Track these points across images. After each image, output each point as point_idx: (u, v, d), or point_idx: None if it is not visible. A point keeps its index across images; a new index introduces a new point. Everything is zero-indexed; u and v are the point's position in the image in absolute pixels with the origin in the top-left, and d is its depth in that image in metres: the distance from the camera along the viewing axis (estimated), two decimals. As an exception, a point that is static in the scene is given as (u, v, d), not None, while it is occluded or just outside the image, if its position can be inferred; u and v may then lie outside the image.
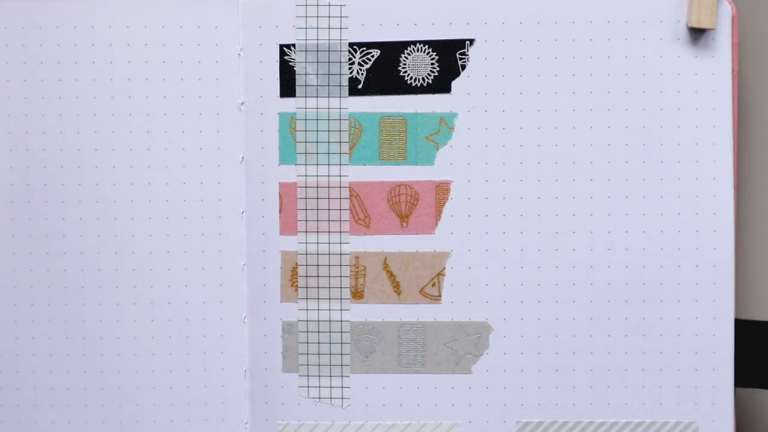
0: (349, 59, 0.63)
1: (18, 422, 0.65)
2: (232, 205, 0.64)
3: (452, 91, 0.63)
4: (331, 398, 0.64)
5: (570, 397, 0.64)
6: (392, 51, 0.63)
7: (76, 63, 0.63)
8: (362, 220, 0.64)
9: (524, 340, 0.64)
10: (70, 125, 0.63)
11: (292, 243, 0.64)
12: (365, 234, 0.64)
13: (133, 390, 0.65)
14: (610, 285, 0.63)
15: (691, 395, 0.63)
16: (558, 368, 0.64)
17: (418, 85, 0.63)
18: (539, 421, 0.64)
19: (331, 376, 0.64)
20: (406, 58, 0.63)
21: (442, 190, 0.63)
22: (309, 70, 0.63)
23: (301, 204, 0.64)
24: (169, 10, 0.63)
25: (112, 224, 0.64)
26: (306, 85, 0.63)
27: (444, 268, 0.64)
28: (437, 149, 0.63)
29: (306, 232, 0.64)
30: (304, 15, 0.63)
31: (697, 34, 0.62)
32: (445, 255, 0.64)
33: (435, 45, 0.63)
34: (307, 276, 0.64)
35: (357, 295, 0.64)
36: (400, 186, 0.64)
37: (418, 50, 0.63)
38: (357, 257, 0.64)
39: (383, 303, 0.64)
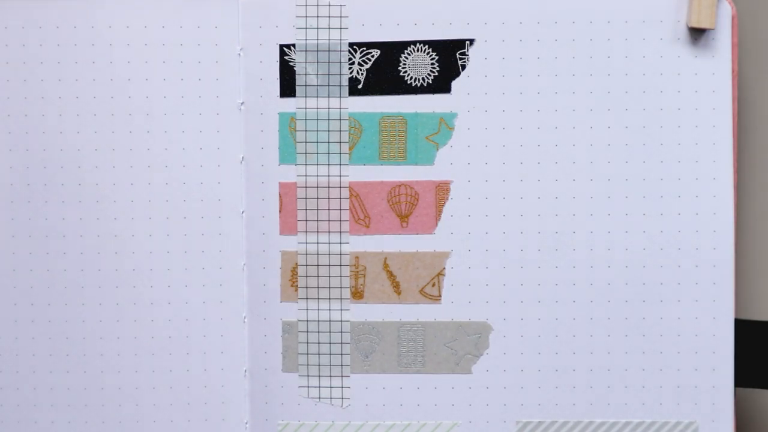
0: (349, 59, 0.63)
1: (18, 422, 0.65)
2: (232, 205, 0.64)
3: (452, 91, 0.63)
4: (331, 398, 0.64)
5: (570, 397, 0.64)
6: (392, 51, 0.63)
7: (76, 63, 0.63)
8: (362, 220, 0.64)
9: (524, 340, 0.64)
10: (70, 125, 0.63)
11: (292, 243, 0.64)
12: (365, 234, 0.64)
13: (133, 390, 0.65)
14: (610, 285, 0.63)
15: (691, 395, 0.63)
16: (558, 368, 0.64)
17: (418, 85, 0.63)
18: (539, 421, 0.64)
19: (331, 376, 0.64)
20: (406, 58, 0.63)
21: (442, 190, 0.63)
22: (309, 70, 0.63)
23: (301, 204, 0.64)
24: (169, 10, 0.63)
25: (112, 224, 0.64)
26: (306, 85, 0.63)
27: (444, 268, 0.64)
28: (437, 149, 0.63)
29: (306, 232, 0.64)
30: (304, 15, 0.63)
31: (697, 34, 0.62)
32: (445, 255, 0.64)
33: (435, 45, 0.63)
34: (307, 276, 0.64)
35: (357, 295, 0.64)
36: (400, 186, 0.64)
37: (418, 50, 0.63)
38: (357, 257, 0.64)
39: (383, 303, 0.64)
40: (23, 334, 0.64)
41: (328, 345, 0.64)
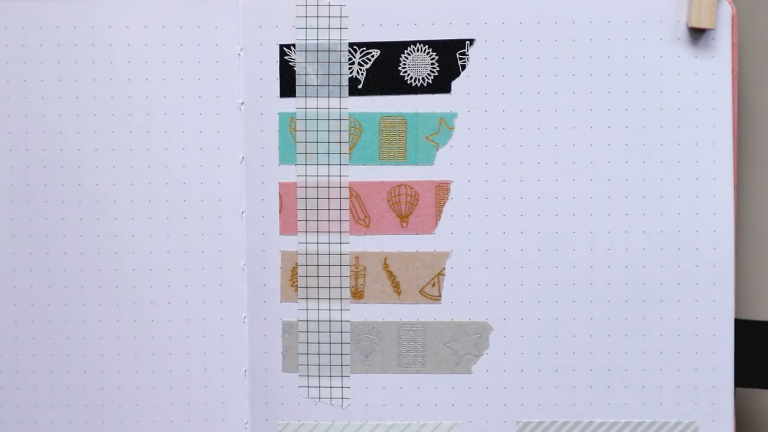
0: (349, 59, 0.63)
1: (18, 422, 0.65)
2: (232, 205, 0.64)
3: (452, 91, 0.63)
4: (331, 398, 0.64)
5: (570, 397, 0.64)
6: (392, 51, 0.63)
7: (76, 63, 0.63)
8: (362, 220, 0.64)
9: (524, 340, 0.64)
10: (70, 125, 0.63)
11: (292, 243, 0.64)
12: (365, 234, 0.64)
13: (133, 390, 0.65)
14: (610, 285, 0.63)
15: (691, 395, 0.63)
16: (558, 368, 0.64)
17: (418, 85, 0.63)
18: (539, 421, 0.64)
19: (331, 376, 0.64)
20: (406, 58, 0.63)
21: (442, 190, 0.63)
22: (309, 70, 0.63)
23: (301, 204, 0.64)
24: (169, 10, 0.63)
25: (112, 224, 0.64)
26: (306, 85, 0.63)
27: (444, 268, 0.64)
28: (437, 149, 0.63)
29: (306, 232, 0.64)
30: (304, 15, 0.63)
31: (697, 34, 0.62)
32: (445, 255, 0.64)
33: (435, 45, 0.63)
34: (307, 276, 0.64)
35: (357, 295, 0.64)
36: (400, 186, 0.64)
37: (418, 50, 0.63)
38: (357, 257, 0.64)
39: (383, 303, 0.64)
40: (23, 334, 0.64)
41: (328, 345, 0.64)
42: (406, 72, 0.63)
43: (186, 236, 0.64)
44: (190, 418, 0.65)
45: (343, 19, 0.63)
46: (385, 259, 0.64)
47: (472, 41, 0.63)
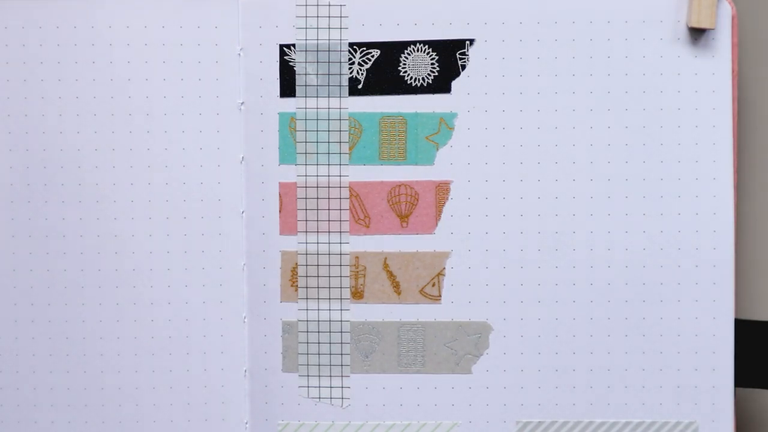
0: (349, 59, 0.63)
1: (18, 422, 0.65)
2: (232, 205, 0.64)
3: (452, 91, 0.63)
4: (331, 398, 0.64)
5: (570, 397, 0.64)
6: (392, 51, 0.63)
7: (76, 63, 0.63)
8: (362, 220, 0.64)
9: (524, 340, 0.64)
10: (70, 125, 0.63)
11: (292, 243, 0.64)
12: (365, 234, 0.64)
13: (133, 390, 0.65)
14: (610, 285, 0.63)
15: (691, 395, 0.63)
16: (558, 368, 0.64)
17: (418, 85, 0.63)
18: (539, 421, 0.64)
19: (331, 376, 0.64)
20: (406, 58, 0.63)
21: (442, 190, 0.63)
22: (309, 70, 0.63)
23: (301, 204, 0.64)
24: (169, 10, 0.63)
25: (112, 224, 0.64)
26: (306, 85, 0.63)
27: (444, 268, 0.64)
28: (437, 149, 0.63)
29: (306, 232, 0.64)
30: (304, 15, 0.63)
31: (697, 34, 0.62)
32: (445, 255, 0.64)
33: (435, 45, 0.63)
34: (307, 276, 0.64)
35: (357, 295, 0.64)
36: (400, 186, 0.64)
37: (418, 50, 0.63)
38: (357, 257, 0.64)
39: (383, 303, 0.64)
40: (23, 334, 0.64)
41: (328, 345, 0.64)
42: (406, 72, 0.63)
43: (186, 236, 0.64)
44: (190, 418, 0.65)
45: (343, 19, 0.63)
46: (385, 259, 0.64)
47: (472, 41, 0.63)
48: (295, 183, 0.63)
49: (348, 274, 0.64)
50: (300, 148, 0.63)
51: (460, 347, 0.64)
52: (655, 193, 0.63)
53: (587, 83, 0.62)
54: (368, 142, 0.63)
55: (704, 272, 0.63)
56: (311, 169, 0.63)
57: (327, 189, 0.64)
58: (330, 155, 0.63)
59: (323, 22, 0.63)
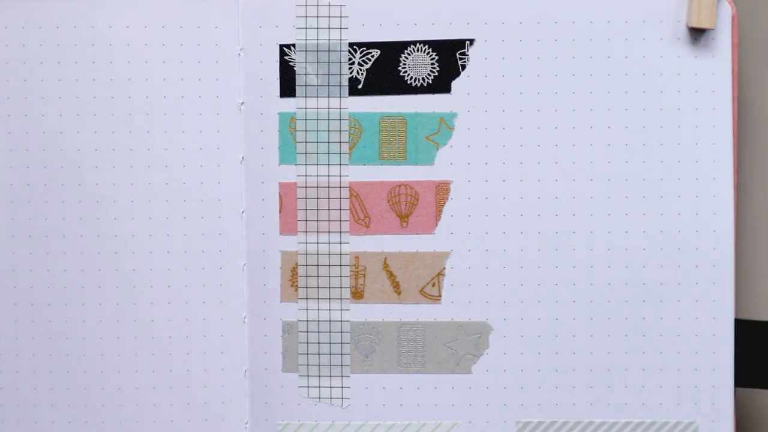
0: (349, 59, 0.63)
1: (18, 422, 0.65)
2: (232, 205, 0.64)
3: (452, 91, 0.63)
4: (331, 398, 0.64)
5: (570, 397, 0.64)
6: (392, 51, 0.63)
7: (76, 63, 0.63)
8: (362, 220, 0.64)
9: (524, 340, 0.64)
10: (70, 125, 0.63)
11: (292, 243, 0.64)
12: (365, 234, 0.64)
13: (133, 390, 0.65)
14: (610, 285, 0.63)
15: (691, 395, 0.63)
16: (558, 368, 0.64)
17: (418, 85, 0.63)
18: (539, 421, 0.64)
19: (331, 376, 0.64)
20: (406, 58, 0.63)
21: (442, 190, 0.63)
22: (309, 70, 0.63)
23: (301, 204, 0.64)
24: (169, 10, 0.63)
25: (112, 224, 0.64)
26: (306, 85, 0.63)
27: (444, 268, 0.64)
28: (437, 149, 0.63)
29: (306, 232, 0.64)
30: (304, 15, 0.63)
31: (697, 34, 0.62)
32: (445, 255, 0.64)
33: (435, 45, 0.63)
34: (307, 276, 0.64)
35: (357, 295, 0.64)
36: (400, 186, 0.64)
37: (418, 50, 0.63)
38: (357, 257, 0.64)
39: (383, 303, 0.64)
40: (23, 334, 0.64)
41: (328, 345, 0.64)
42: (406, 72, 0.63)
43: (186, 236, 0.64)
44: (190, 418, 0.65)
45: (343, 19, 0.63)
46: (385, 259, 0.64)
47: (472, 41, 0.63)
48: (295, 183, 0.63)
49: (348, 274, 0.64)
50: (300, 148, 0.63)
51: (460, 347, 0.64)
52: (655, 193, 0.63)
53: (587, 83, 0.62)
54: (368, 142, 0.63)
55: (704, 272, 0.63)
56: (311, 169, 0.63)
57: (327, 189, 0.64)
58: (330, 155, 0.63)
59: (323, 22, 0.63)
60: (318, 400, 0.64)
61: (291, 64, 0.63)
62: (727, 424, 0.63)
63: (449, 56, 0.63)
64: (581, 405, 0.64)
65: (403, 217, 0.64)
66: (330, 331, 0.64)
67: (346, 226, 0.64)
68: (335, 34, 0.63)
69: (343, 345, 0.64)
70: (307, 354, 0.64)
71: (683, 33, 0.62)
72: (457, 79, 0.63)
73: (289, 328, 0.64)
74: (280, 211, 0.64)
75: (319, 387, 0.64)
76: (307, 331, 0.64)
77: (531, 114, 0.63)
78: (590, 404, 0.64)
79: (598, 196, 0.63)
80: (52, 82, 0.63)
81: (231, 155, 0.63)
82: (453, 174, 0.63)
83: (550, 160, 0.63)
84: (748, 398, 0.69)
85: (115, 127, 0.63)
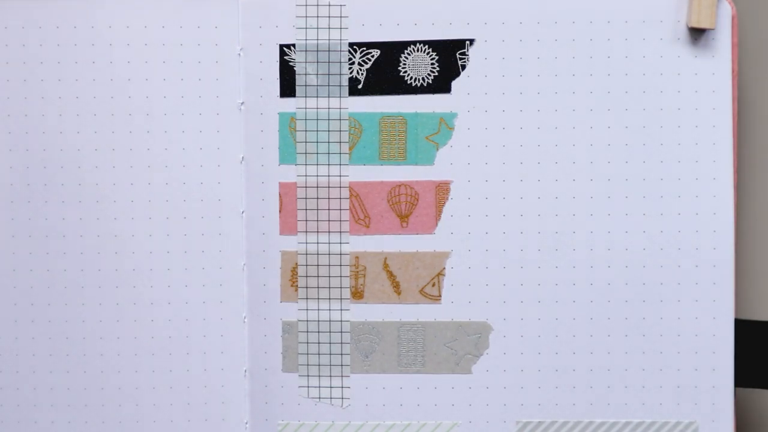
0: (349, 59, 0.63)
1: (18, 422, 0.65)
2: (232, 205, 0.64)
3: (452, 91, 0.63)
4: (331, 398, 0.64)
5: (570, 397, 0.64)
6: (392, 51, 0.63)
7: (76, 63, 0.63)
8: (362, 220, 0.64)
9: (524, 340, 0.64)
10: (70, 125, 0.63)
11: (292, 243, 0.64)
12: (365, 234, 0.64)
13: (133, 390, 0.65)
14: (610, 285, 0.63)
15: (691, 395, 0.63)
16: (558, 368, 0.64)
17: (418, 85, 0.63)
18: (539, 421, 0.64)
19: (331, 376, 0.64)
20: (406, 58, 0.63)
21: (442, 190, 0.63)
22: (309, 70, 0.63)
23: (301, 204, 0.64)
24: (169, 10, 0.63)
25: (112, 224, 0.64)
26: (306, 85, 0.63)
27: (444, 268, 0.64)
28: (437, 149, 0.63)
29: (306, 232, 0.64)
30: (304, 15, 0.63)
31: (697, 34, 0.62)
32: (445, 255, 0.64)
33: (435, 45, 0.63)
34: (307, 276, 0.64)
35: (357, 295, 0.64)
36: (400, 186, 0.64)
37: (418, 50, 0.63)
38: (357, 257, 0.64)
39: (383, 303, 0.64)
40: (23, 334, 0.64)
41: (328, 345, 0.64)
42: (406, 72, 0.63)
43: (186, 236, 0.64)
44: (190, 418, 0.65)
45: (343, 19, 0.63)
46: (385, 259, 0.64)
47: (472, 41, 0.63)
48: (295, 183, 0.63)
49: (348, 274, 0.64)
50: (300, 148, 0.63)
51: (460, 347, 0.64)
52: (655, 193, 0.63)
53: (587, 83, 0.63)
54: (368, 142, 0.63)
55: (704, 272, 0.63)
56: (311, 169, 0.63)
57: (327, 189, 0.64)
58: (330, 155, 0.63)
59: (323, 22, 0.63)
60: (318, 400, 0.64)
61: (291, 64, 0.63)
62: (727, 424, 0.63)
63: (449, 56, 0.63)
64: (581, 405, 0.64)
65: (403, 217, 0.64)
66: (330, 331, 0.64)
67: (346, 226, 0.64)
68: (335, 34, 0.63)
69: (343, 345, 0.64)
70: (307, 354, 0.64)
71: (683, 33, 0.62)
72: (457, 79, 0.63)
73: (289, 328, 0.64)
74: (280, 211, 0.64)
75: (319, 387, 0.64)
76: (307, 331, 0.64)
77: (531, 114, 0.63)
78: (590, 404, 0.64)
79: (598, 196, 0.63)
80: (52, 82, 0.63)
81: (231, 155, 0.63)
82: (453, 174, 0.63)
83: (550, 160, 0.63)
84: (748, 398, 0.69)
85: (115, 127, 0.63)
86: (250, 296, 0.64)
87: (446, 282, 0.64)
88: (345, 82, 0.63)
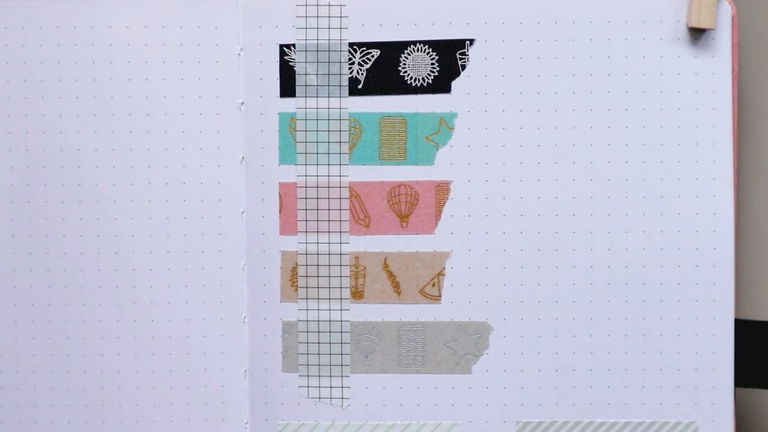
0: (349, 59, 0.63)
1: (18, 422, 0.65)
2: (232, 205, 0.64)
3: (452, 91, 0.63)
4: (331, 398, 0.64)
5: (570, 397, 0.64)
6: (392, 51, 0.63)
7: (76, 63, 0.63)
8: (362, 220, 0.64)
9: (524, 340, 0.64)
10: (70, 125, 0.63)
11: (292, 243, 0.64)
12: (365, 234, 0.64)
13: (133, 390, 0.65)
14: (610, 285, 0.63)
15: (691, 395, 0.63)
16: (558, 368, 0.64)
17: (418, 85, 0.63)
18: (539, 421, 0.64)
19: (331, 376, 0.64)
20: (406, 58, 0.63)
21: (442, 190, 0.63)
22: (309, 70, 0.63)
23: (301, 204, 0.64)
24: (169, 10, 0.63)
25: (112, 224, 0.64)
26: (306, 85, 0.63)
27: (444, 268, 0.64)
28: (437, 149, 0.63)
29: (306, 232, 0.64)
30: (304, 15, 0.63)
31: (697, 34, 0.62)
32: (445, 255, 0.64)
33: (435, 45, 0.63)
34: (307, 276, 0.64)
35: (357, 295, 0.64)
36: (400, 186, 0.64)
37: (418, 50, 0.63)
38: (357, 257, 0.64)
39: (383, 303, 0.64)
40: (23, 334, 0.64)
41: (328, 345, 0.64)
42: (406, 72, 0.63)
43: (186, 236, 0.64)
44: (190, 418, 0.65)
45: (343, 19, 0.63)
46: (385, 259, 0.64)
47: (472, 41, 0.63)
48: (295, 183, 0.63)
49: (348, 274, 0.64)
50: (300, 148, 0.63)
51: (460, 347, 0.64)
52: (655, 193, 0.63)
53: (587, 83, 0.63)
54: (368, 142, 0.63)
55: (704, 272, 0.63)
56: (311, 169, 0.63)
57: (327, 189, 0.64)
58: (330, 155, 0.63)
59: (323, 22, 0.63)
60: (318, 400, 0.64)
61: (291, 64, 0.63)
62: (727, 424, 0.63)
63: (449, 56, 0.63)
64: (581, 405, 0.64)
65: (403, 217, 0.64)
66: (330, 331, 0.64)
67: (346, 226, 0.64)
68: (335, 34, 0.63)
69: (343, 345, 0.64)
70: (307, 354, 0.64)
71: (683, 33, 0.62)
72: (457, 79, 0.63)
73: (289, 328, 0.64)
74: (280, 211, 0.64)
75: (319, 387, 0.64)
76: (307, 331, 0.64)
77: (531, 114, 0.63)
78: (590, 404, 0.64)
79: (598, 196, 0.63)
80: (52, 82, 0.63)
81: (231, 155, 0.63)
82: (453, 174, 0.63)
83: (550, 160, 0.63)
84: (748, 398, 0.69)
85: (115, 127, 0.63)
86: (250, 296, 0.64)
87: (446, 282, 0.64)
88: (345, 82, 0.63)
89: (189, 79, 0.63)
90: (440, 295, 0.64)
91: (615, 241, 0.63)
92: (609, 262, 0.63)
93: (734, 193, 0.63)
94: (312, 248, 0.64)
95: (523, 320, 0.64)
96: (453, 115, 0.63)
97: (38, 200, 0.64)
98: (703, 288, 0.63)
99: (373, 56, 0.63)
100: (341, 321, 0.64)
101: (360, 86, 0.63)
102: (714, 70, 0.62)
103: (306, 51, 0.63)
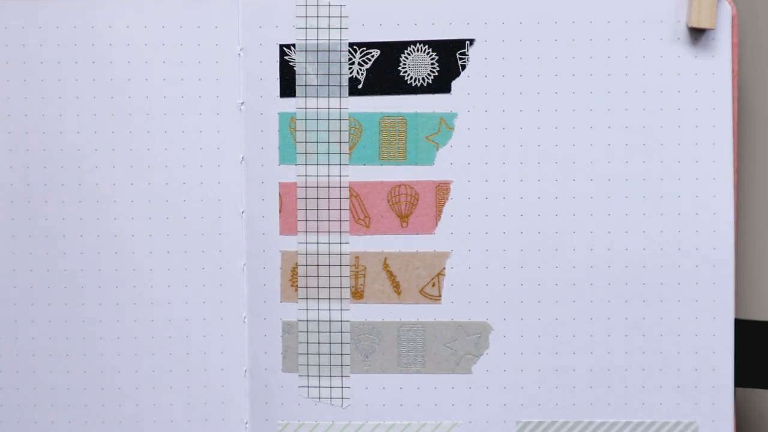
0: (349, 59, 0.63)
1: (18, 422, 0.65)
2: (232, 205, 0.64)
3: (452, 91, 0.63)
4: (331, 398, 0.64)
5: (570, 397, 0.64)
6: (392, 51, 0.63)
7: (76, 63, 0.63)
8: (362, 220, 0.64)
9: (524, 340, 0.64)
10: (70, 125, 0.63)
11: (292, 243, 0.64)
12: (365, 234, 0.64)
13: (133, 390, 0.65)
14: (610, 285, 0.63)
15: (691, 395, 0.63)
16: (558, 368, 0.64)
17: (418, 85, 0.63)
18: (539, 421, 0.64)
19: (331, 376, 0.64)
20: (406, 58, 0.63)
21: (442, 190, 0.63)
22: (309, 70, 0.63)
23: (301, 204, 0.64)
24: (169, 10, 0.63)
25: (112, 224, 0.64)
26: (306, 85, 0.63)
27: (444, 268, 0.64)
28: (437, 149, 0.63)
29: (306, 232, 0.64)
30: (304, 15, 0.63)
31: (697, 34, 0.62)
32: (445, 255, 0.64)
33: (435, 45, 0.63)
34: (307, 276, 0.64)
35: (357, 295, 0.64)
36: (400, 186, 0.64)
37: (418, 50, 0.63)
38: (357, 257, 0.64)
39: (383, 303, 0.64)
40: (23, 334, 0.64)
41: (328, 345, 0.64)
42: (406, 72, 0.63)
43: (186, 236, 0.64)
44: (190, 418, 0.65)
45: (343, 19, 0.63)
46: (385, 259, 0.64)
47: (472, 41, 0.63)
48: (295, 183, 0.63)
49: (348, 274, 0.64)
50: (300, 148, 0.63)
51: (460, 347, 0.64)
52: (655, 193, 0.63)
53: (587, 83, 0.63)
54: (368, 142, 0.63)
55: (704, 272, 0.63)
56: (311, 169, 0.63)
57: (327, 189, 0.64)
58: (330, 155, 0.63)
59: (323, 22, 0.63)
60: (318, 400, 0.64)
61: (291, 64, 0.63)
62: (727, 424, 0.63)
63: (449, 56, 0.63)
64: (581, 405, 0.64)
65: (403, 217, 0.64)
66: (330, 331, 0.64)
67: (346, 226, 0.64)
68: (335, 34, 0.63)
69: (343, 345, 0.64)
70: (307, 354, 0.64)
71: (683, 33, 0.62)
72: (457, 79, 0.63)
73: (289, 328, 0.64)
74: (280, 211, 0.64)
75: (319, 387, 0.64)
76: (307, 331, 0.64)
77: (531, 114, 0.63)
78: (590, 404, 0.64)
79: (598, 196, 0.63)
80: (52, 82, 0.63)
81: (231, 155, 0.63)
82: (453, 174, 0.63)
83: (550, 160, 0.63)
84: (748, 398, 0.69)
85: (115, 127, 0.63)
86: (250, 296, 0.64)
87: (446, 282, 0.64)
88: (345, 82, 0.63)
89: (189, 79, 0.63)
90: (440, 295, 0.64)
91: (615, 241, 0.63)
92: (609, 262, 0.63)
93: (734, 193, 0.63)
94: (312, 248, 0.64)
95: (523, 320, 0.64)
96: (453, 115, 0.63)
97: (38, 200, 0.64)
98: (703, 288, 0.63)
99: (373, 56, 0.63)
100: (341, 321, 0.64)
101: (360, 86, 0.63)
102: (714, 70, 0.62)
103: (306, 51, 0.63)
